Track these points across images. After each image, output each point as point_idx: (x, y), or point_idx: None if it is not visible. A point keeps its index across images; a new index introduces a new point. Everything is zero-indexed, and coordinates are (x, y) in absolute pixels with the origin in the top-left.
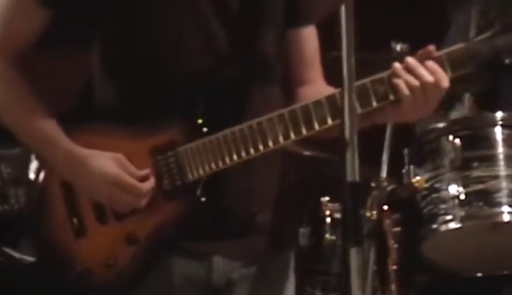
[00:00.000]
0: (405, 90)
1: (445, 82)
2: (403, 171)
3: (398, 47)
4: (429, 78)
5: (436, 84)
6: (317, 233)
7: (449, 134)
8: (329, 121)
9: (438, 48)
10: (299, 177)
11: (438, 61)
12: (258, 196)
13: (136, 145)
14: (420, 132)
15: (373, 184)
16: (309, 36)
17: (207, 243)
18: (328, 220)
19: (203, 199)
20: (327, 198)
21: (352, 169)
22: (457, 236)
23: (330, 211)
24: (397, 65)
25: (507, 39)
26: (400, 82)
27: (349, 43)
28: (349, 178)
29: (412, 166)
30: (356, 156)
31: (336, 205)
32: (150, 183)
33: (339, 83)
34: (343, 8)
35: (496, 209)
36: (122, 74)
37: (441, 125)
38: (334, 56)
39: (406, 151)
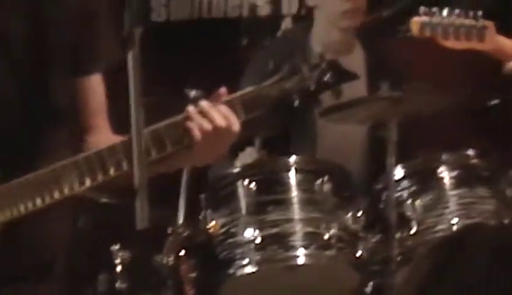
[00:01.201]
0: (197, 135)
1: (236, 126)
2: (200, 216)
3: (192, 94)
4: (221, 122)
5: (228, 128)
6: (113, 280)
7: (244, 178)
8: (125, 166)
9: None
10: (94, 223)
11: (231, 104)
12: (51, 244)
13: None
14: (216, 177)
15: (170, 230)
16: (96, 84)
17: None
18: (120, 268)
19: None
20: (118, 246)
21: (142, 217)
22: (254, 280)
23: (121, 259)
24: (191, 108)
25: (294, 82)
26: (193, 126)
27: (136, 89)
28: (139, 226)
29: (208, 211)
30: (146, 203)
31: (127, 253)
32: None
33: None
34: (130, 55)
35: (291, 253)
36: None
37: (236, 169)
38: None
39: (202, 196)
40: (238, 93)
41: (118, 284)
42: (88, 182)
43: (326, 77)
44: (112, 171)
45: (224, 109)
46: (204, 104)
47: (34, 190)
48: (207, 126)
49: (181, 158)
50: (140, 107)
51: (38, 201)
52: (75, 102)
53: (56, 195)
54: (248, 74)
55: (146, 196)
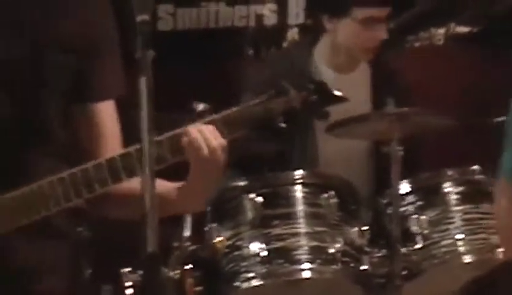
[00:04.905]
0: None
1: (225, 146)
2: (206, 229)
3: (200, 107)
4: (214, 143)
5: (220, 148)
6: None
7: (250, 192)
8: (110, 183)
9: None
10: (98, 234)
11: (214, 124)
12: (46, 260)
13: None
14: (222, 190)
15: (175, 244)
16: (104, 112)
17: None
18: (130, 291)
19: None
20: (128, 269)
21: (152, 240)
22: (259, 293)
23: (132, 282)
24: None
25: (279, 103)
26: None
27: (150, 116)
28: (149, 249)
29: (214, 224)
30: (156, 226)
31: (137, 275)
32: None
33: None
34: (142, 79)
35: (297, 266)
36: None
37: (242, 183)
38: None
39: (208, 209)
40: (222, 113)
41: None
42: (73, 198)
43: (313, 99)
44: (97, 188)
45: (212, 129)
46: (198, 126)
47: (19, 208)
48: (204, 147)
49: (178, 198)
50: (153, 134)
51: (24, 220)
52: (77, 130)
53: (43, 211)
54: (247, 88)
55: (156, 219)
